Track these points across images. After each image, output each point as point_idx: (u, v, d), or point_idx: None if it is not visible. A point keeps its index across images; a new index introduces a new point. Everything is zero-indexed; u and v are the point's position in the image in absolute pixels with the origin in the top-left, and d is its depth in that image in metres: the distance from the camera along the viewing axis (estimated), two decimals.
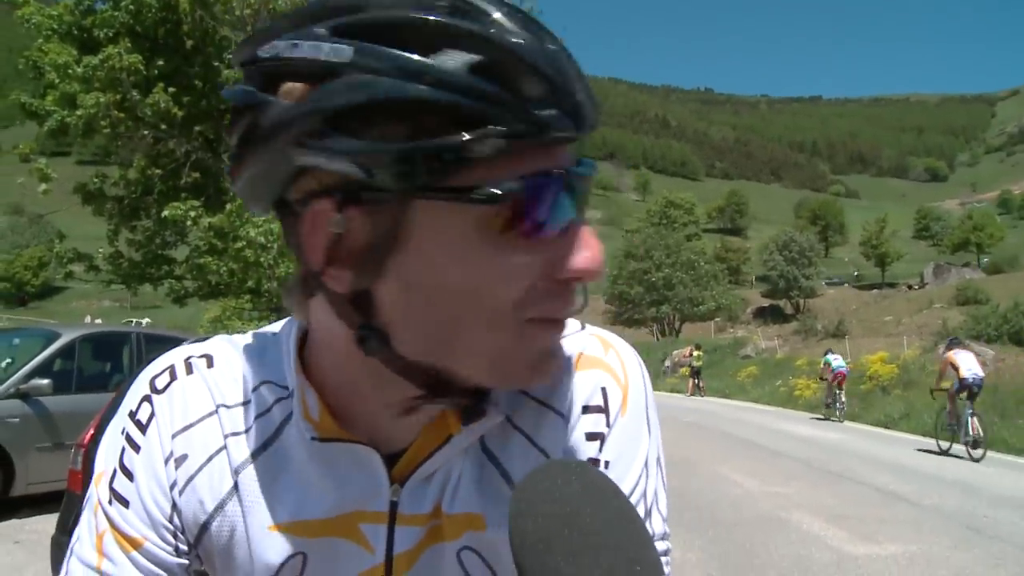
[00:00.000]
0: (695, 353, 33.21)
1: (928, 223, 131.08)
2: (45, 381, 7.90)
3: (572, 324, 0.83)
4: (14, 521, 7.52)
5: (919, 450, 14.39)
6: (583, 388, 0.79)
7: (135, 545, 0.77)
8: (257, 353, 0.82)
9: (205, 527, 0.78)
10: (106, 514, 0.78)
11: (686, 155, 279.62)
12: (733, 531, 7.74)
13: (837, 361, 20.81)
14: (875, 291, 78.37)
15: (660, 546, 0.79)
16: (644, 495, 0.79)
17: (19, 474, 7.76)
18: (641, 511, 0.77)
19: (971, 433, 12.88)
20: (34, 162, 14.91)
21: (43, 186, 14.47)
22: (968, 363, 13.30)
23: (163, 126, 14.39)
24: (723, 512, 8.61)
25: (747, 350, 44.41)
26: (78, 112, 13.79)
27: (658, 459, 0.82)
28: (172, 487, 0.77)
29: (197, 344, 0.85)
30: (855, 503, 9.16)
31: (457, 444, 0.76)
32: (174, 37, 14.83)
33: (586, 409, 0.78)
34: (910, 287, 76.19)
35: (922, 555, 6.82)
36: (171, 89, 13.92)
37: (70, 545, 0.80)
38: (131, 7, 13.96)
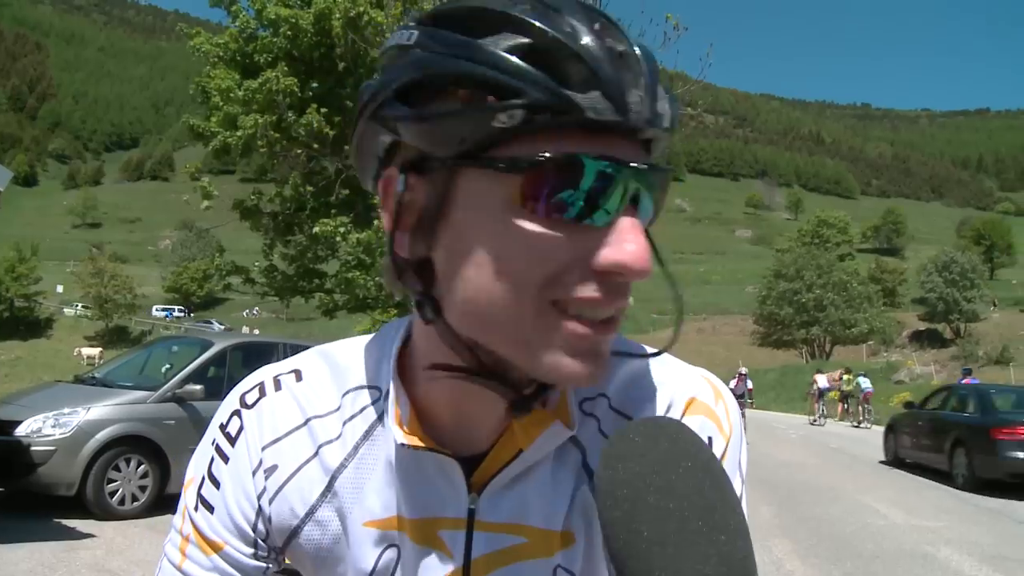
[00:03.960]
0: (845, 377, 32.08)
1: None
2: (198, 387, 8.41)
3: (685, 367, 0.86)
4: (169, 516, 7.92)
5: None
6: None
7: (215, 548, 0.84)
8: (350, 360, 0.88)
9: (296, 532, 0.84)
10: (191, 519, 0.85)
11: (841, 173, 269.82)
12: (872, 564, 7.41)
13: (866, 382, 28.26)
14: None
15: None
16: None
17: (174, 473, 8.27)
18: None
19: (821, 416, 29.48)
20: (200, 180, 15.89)
21: (205, 203, 15.40)
22: (822, 381, 29.99)
23: (315, 145, 14.97)
24: (862, 544, 8.24)
25: (901, 375, 42.48)
26: (238, 133, 14.60)
27: (745, 511, 0.81)
28: (260, 495, 0.84)
29: (286, 361, 0.91)
30: (1015, 544, 8.55)
31: (526, 459, 0.78)
32: (328, 60, 15.47)
33: None
34: None
35: None
36: (323, 110, 14.49)
37: (164, 544, 0.88)
38: (289, 33, 14.67)
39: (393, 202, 0.73)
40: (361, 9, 13.49)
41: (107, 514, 7.88)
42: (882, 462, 16.73)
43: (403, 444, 0.78)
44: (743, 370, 22.84)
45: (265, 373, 0.89)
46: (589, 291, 0.66)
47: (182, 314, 75.17)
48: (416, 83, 0.68)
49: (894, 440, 16.43)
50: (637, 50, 0.67)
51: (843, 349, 62.76)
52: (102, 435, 7.95)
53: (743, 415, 13.43)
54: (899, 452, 16.03)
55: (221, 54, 15.52)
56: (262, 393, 0.87)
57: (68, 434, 7.83)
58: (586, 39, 0.64)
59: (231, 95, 14.77)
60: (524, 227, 0.66)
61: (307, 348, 0.96)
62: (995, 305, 78.21)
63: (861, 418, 28.17)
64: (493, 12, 0.67)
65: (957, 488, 12.87)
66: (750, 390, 22.58)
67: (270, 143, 14.68)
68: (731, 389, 14.42)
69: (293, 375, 0.88)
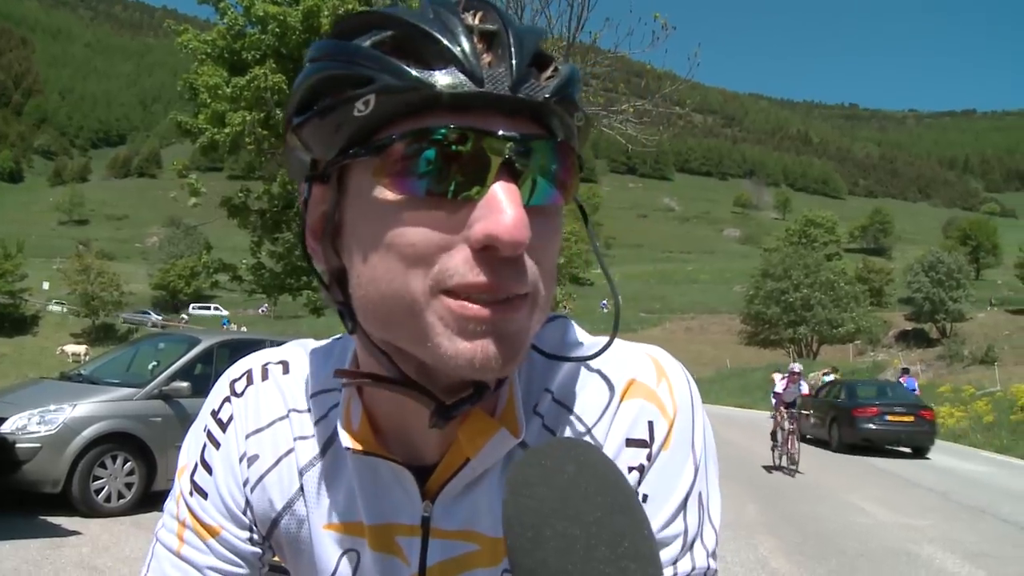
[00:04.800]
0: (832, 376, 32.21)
1: None
2: (185, 384, 8.39)
3: (628, 347, 0.83)
4: (155, 513, 7.94)
5: None
6: (627, 418, 0.78)
7: (213, 533, 0.85)
8: (327, 360, 0.88)
9: (275, 523, 0.85)
10: (187, 504, 0.86)
11: (828, 172, 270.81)
12: (857, 562, 7.46)
13: (908, 380, 25.28)
14: None
15: None
16: (685, 531, 0.77)
17: (160, 470, 8.24)
18: (679, 546, 0.76)
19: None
20: (187, 177, 15.83)
21: (193, 200, 15.35)
22: (909, 383, 23.50)
23: None
24: (848, 542, 8.30)
25: (887, 375, 42.58)
26: (226, 130, 14.54)
27: (702, 495, 0.79)
28: (245, 484, 0.85)
29: (276, 350, 0.92)
30: (997, 541, 8.66)
31: (474, 468, 0.77)
32: None
33: (629, 442, 0.77)
34: None
35: None
36: None
37: (155, 531, 0.88)
38: (277, 30, 14.59)
39: (304, 214, 0.74)
40: (350, 6, 13.45)
41: (93, 511, 7.85)
42: None
43: (347, 448, 0.78)
44: (796, 367, 15.02)
45: (254, 360, 0.90)
46: (470, 270, 0.64)
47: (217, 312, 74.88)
48: (307, 92, 0.70)
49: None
50: (510, 30, 0.67)
51: (830, 348, 62.89)
52: (88, 432, 7.93)
53: (792, 431, 12.66)
54: (800, 429, 19.44)
55: (209, 51, 15.41)
56: (249, 381, 0.88)
57: (54, 431, 7.80)
58: (448, 23, 0.66)
59: (219, 92, 14.69)
60: (397, 210, 0.65)
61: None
62: (992, 304, 78.77)
63: None
64: (370, 14, 0.69)
65: (831, 451, 18.90)
66: (807, 395, 15.85)
67: (258, 140, 14.63)
68: (777, 394, 12.54)
69: (281, 366, 0.89)
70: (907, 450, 18.74)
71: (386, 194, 0.66)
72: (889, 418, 18.38)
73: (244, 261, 18.00)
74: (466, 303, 0.64)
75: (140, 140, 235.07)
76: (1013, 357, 46.95)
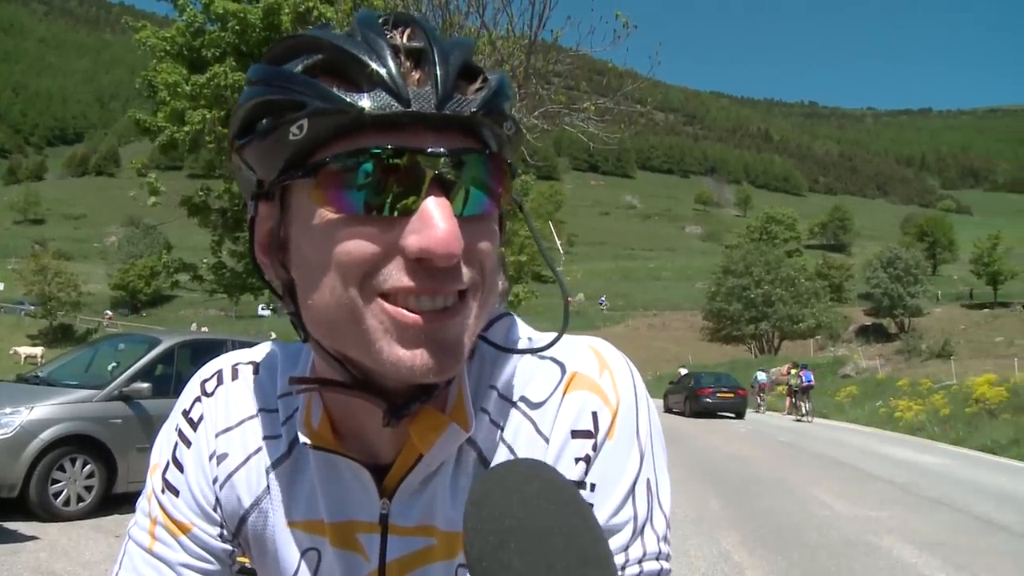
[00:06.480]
0: (792, 371, 32.56)
1: None
2: (145, 385, 8.28)
3: (571, 340, 0.85)
4: (116, 516, 7.88)
5: None
6: (572, 410, 0.79)
7: (184, 530, 0.86)
8: (295, 361, 0.90)
9: (243, 520, 0.87)
10: (159, 502, 0.88)
11: (788, 170, 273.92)
12: (817, 554, 7.57)
13: (806, 374, 30.28)
14: (985, 310, 74.93)
15: (654, 566, 0.78)
16: (634, 517, 0.78)
17: (121, 473, 8.13)
18: (629, 532, 0.77)
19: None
20: (147, 176, 15.63)
21: (152, 199, 15.16)
22: (806, 376, 29.73)
23: None
24: (808, 534, 8.42)
25: (847, 369, 43.22)
26: (186, 128, 14.38)
27: (651, 480, 0.80)
28: (215, 481, 0.87)
29: (247, 351, 0.94)
30: (951, 531, 8.82)
31: (428, 464, 0.79)
32: None
33: (575, 433, 0.79)
34: None
35: None
36: None
37: (127, 529, 0.90)
38: (236, 28, 14.45)
39: (252, 230, 0.77)
40: (311, 4, 13.34)
41: (51, 515, 7.72)
42: (663, 411, 30.72)
43: (306, 444, 0.81)
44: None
45: (225, 361, 0.93)
46: (406, 280, 0.67)
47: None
48: (246, 116, 0.73)
49: (667, 400, 33.09)
50: (436, 47, 0.69)
51: (791, 344, 63.63)
52: (46, 435, 7.79)
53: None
54: (669, 406, 32.46)
55: (168, 48, 15.23)
56: (220, 381, 0.90)
57: (10, 434, 7.66)
58: (375, 45, 0.68)
59: (178, 90, 14.52)
60: (336, 227, 0.68)
61: (256, 344, 0.97)
62: (973, 298, 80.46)
63: (759, 403, 34.47)
64: (301, 38, 0.72)
65: (685, 417, 29.32)
66: (804, 386, 29.18)
67: (218, 138, 14.45)
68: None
69: (251, 367, 0.91)
70: (732, 415, 29.79)
71: (324, 212, 0.69)
72: (719, 395, 29.99)
73: (205, 260, 17.82)
74: (403, 310, 0.68)
75: (98, 138, 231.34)
76: (968, 351, 47.81)
